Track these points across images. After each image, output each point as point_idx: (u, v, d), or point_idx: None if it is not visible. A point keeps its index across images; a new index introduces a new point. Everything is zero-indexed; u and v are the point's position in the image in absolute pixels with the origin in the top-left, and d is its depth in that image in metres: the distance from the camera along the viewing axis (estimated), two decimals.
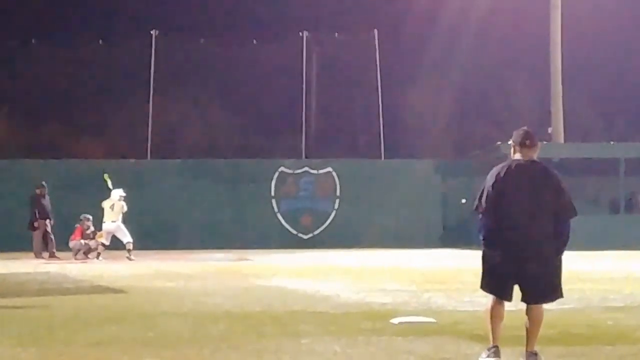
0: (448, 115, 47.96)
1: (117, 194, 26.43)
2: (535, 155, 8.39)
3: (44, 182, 28.75)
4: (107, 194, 26.68)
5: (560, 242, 8.17)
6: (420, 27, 45.51)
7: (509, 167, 8.28)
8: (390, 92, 39.86)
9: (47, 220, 28.04)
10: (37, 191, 28.45)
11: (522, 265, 8.10)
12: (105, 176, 27.58)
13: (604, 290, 15.54)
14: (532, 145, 8.38)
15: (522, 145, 8.36)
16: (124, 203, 26.34)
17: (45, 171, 33.23)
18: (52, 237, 27.94)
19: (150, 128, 37.35)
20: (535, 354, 8.16)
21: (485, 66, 47.17)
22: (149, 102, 37.49)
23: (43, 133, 45.56)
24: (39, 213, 28.02)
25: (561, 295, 8.31)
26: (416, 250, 30.54)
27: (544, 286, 8.17)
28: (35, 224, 27.90)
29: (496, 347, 8.24)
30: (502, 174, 8.26)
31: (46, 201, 28.39)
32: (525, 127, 8.60)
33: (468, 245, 29.53)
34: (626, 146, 34.19)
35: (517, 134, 8.45)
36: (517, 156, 8.37)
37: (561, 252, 8.21)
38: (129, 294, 15.40)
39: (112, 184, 27.02)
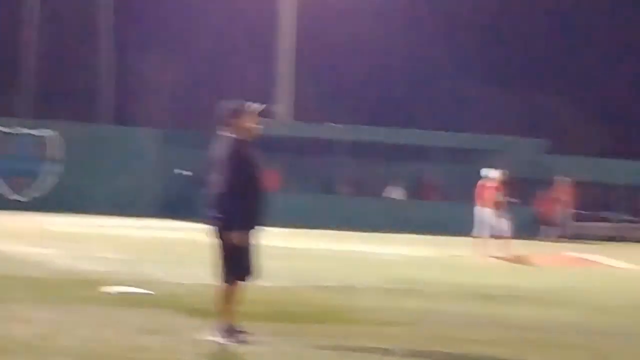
0: (177, 85, 47.74)
1: None
2: (230, 132, 8.36)
3: None
4: None
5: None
6: None
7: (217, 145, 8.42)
8: (122, 57, 39.18)
9: None
10: None
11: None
12: None
13: (316, 269, 16.00)
14: (227, 124, 8.38)
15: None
16: None
17: None
18: None
19: None
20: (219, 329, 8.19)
21: (216, 39, 47.27)
22: None
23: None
24: None
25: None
26: (137, 220, 30.29)
27: (223, 264, 8.27)
28: None
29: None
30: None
31: None
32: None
33: (189, 216, 29.65)
34: (343, 129, 35.33)
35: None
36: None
37: (228, 229, 8.13)
38: None
39: None
